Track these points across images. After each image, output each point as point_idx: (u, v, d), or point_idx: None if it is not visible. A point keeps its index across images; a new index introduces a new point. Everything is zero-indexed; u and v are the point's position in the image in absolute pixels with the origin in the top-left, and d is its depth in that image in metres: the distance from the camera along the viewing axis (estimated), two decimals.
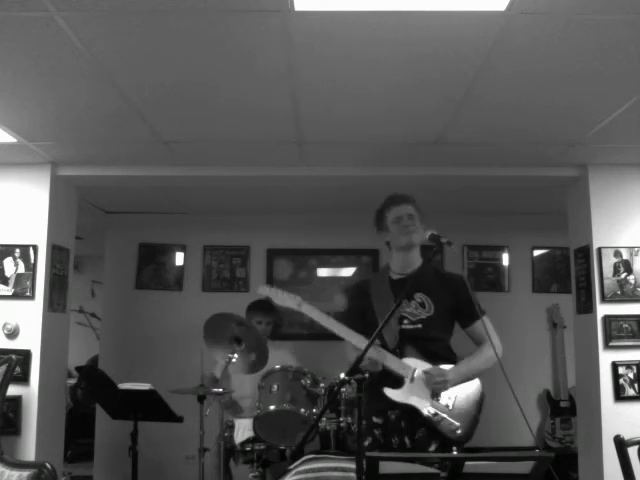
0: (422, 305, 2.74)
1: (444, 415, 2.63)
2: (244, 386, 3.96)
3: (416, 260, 2.83)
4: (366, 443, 2.62)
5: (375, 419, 2.69)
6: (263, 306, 4.23)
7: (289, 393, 3.24)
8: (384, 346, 2.68)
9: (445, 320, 2.78)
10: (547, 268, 5.35)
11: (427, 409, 2.62)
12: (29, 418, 3.53)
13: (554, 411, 4.99)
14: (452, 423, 2.62)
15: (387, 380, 2.63)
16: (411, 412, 2.64)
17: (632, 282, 3.67)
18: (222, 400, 3.53)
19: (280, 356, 4.12)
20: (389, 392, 2.62)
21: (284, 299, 2.79)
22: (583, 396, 3.93)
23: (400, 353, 2.68)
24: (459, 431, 2.62)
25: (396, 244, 2.84)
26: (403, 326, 2.72)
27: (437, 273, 2.84)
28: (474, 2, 2.03)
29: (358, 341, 2.65)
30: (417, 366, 2.66)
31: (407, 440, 2.64)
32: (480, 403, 2.73)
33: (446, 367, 2.69)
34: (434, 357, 2.70)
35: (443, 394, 2.64)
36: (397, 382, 2.65)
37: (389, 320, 2.39)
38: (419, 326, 2.72)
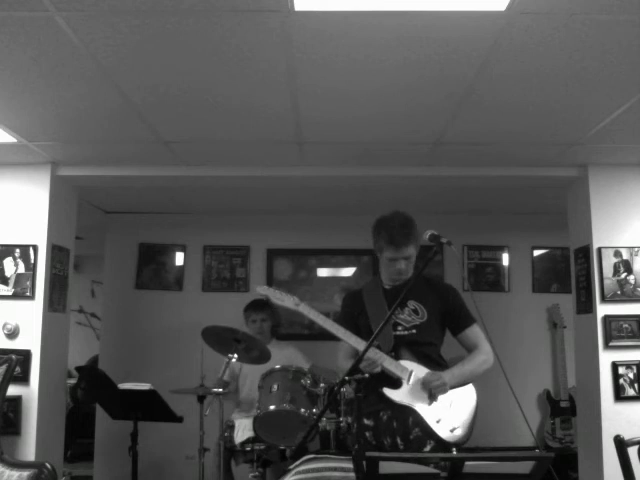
0: (415, 312, 2.77)
1: (443, 417, 2.63)
2: (255, 385, 3.90)
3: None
4: (357, 446, 2.62)
5: (366, 421, 2.69)
6: (255, 304, 4.26)
7: (289, 393, 3.24)
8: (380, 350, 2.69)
9: (437, 327, 2.81)
10: (547, 268, 5.35)
11: (427, 410, 2.63)
12: (29, 418, 3.53)
13: (554, 411, 4.99)
14: (451, 425, 2.63)
15: (381, 382, 2.64)
16: (404, 412, 2.65)
17: (632, 282, 3.67)
18: (225, 398, 3.53)
19: (288, 355, 4.12)
20: (388, 392, 2.63)
21: (282, 299, 2.80)
22: (583, 396, 3.92)
23: (395, 357, 2.69)
24: (457, 432, 2.63)
25: (386, 272, 2.85)
26: (397, 332, 2.74)
27: (428, 282, 2.87)
28: (474, 2, 2.03)
29: (355, 341, 2.67)
30: (414, 368, 2.67)
31: (399, 440, 2.65)
32: (475, 407, 2.76)
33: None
34: (429, 361, 2.72)
35: (440, 397, 2.65)
36: (392, 384, 2.65)
37: (388, 321, 2.41)
38: (413, 331, 2.74)
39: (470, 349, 2.80)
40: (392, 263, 2.75)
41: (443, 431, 2.62)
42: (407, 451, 2.59)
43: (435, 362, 2.75)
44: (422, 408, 2.63)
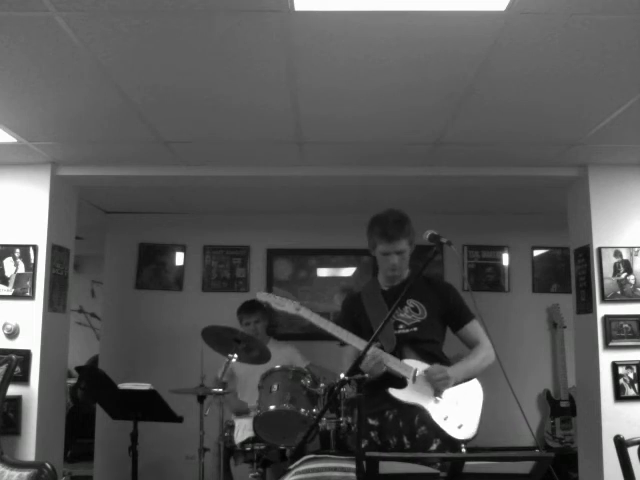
0: (415, 310, 2.77)
1: (450, 414, 2.64)
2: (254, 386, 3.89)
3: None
4: (362, 445, 2.62)
5: (371, 421, 2.69)
6: (246, 307, 4.26)
7: (289, 393, 3.24)
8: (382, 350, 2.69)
9: (438, 324, 2.82)
10: (547, 268, 5.35)
11: (434, 408, 2.63)
12: (29, 418, 3.53)
13: (554, 411, 4.99)
14: (458, 422, 2.64)
15: (386, 382, 2.64)
16: (410, 411, 2.65)
17: (632, 282, 3.67)
18: (223, 401, 3.53)
19: (287, 354, 4.12)
20: (394, 392, 2.63)
21: (282, 304, 2.80)
22: (583, 396, 3.92)
23: (399, 356, 2.69)
24: (465, 429, 2.63)
25: (381, 269, 2.87)
26: (399, 331, 2.74)
27: (426, 281, 2.87)
28: (474, 2, 2.03)
29: (358, 344, 2.66)
30: (417, 367, 2.67)
31: (405, 440, 2.65)
32: (482, 403, 2.76)
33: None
34: (432, 358, 2.72)
35: (446, 393, 2.65)
36: (397, 384, 2.65)
37: (388, 320, 2.41)
38: (415, 329, 2.75)
39: (471, 345, 2.80)
40: (385, 258, 2.75)
41: (451, 428, 2.62)
42: (413, 450, 2.59)
43: (438, 359, 2.75)
44: (429, 406, 2.63)
